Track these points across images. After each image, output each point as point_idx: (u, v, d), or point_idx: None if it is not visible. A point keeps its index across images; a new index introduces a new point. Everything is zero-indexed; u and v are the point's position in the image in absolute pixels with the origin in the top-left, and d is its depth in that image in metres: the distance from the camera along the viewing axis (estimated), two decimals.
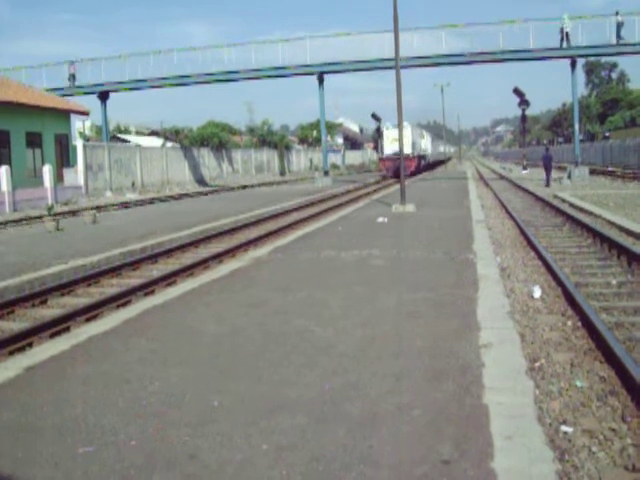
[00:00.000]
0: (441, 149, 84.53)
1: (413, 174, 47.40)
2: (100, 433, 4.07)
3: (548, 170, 32.80)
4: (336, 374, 4.98)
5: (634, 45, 33.84)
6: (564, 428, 4.39)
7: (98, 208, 25.99)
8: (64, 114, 37.10)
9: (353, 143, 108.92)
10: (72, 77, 42.04)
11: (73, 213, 25.19)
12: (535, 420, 4.06)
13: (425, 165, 57.98)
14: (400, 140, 20.29)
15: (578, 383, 5.28)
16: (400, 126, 20.35)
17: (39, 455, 3.79)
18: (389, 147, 46.64)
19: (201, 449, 3.80)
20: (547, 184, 31.71)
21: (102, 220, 20.65)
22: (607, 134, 74.92)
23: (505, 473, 3.39)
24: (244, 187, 45.07)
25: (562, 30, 34.40)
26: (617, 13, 34.36)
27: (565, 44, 34.70)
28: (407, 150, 41.93)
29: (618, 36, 34.31)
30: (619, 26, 34.16)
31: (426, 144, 59.56)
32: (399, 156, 21.52)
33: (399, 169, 21.60)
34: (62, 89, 40.89)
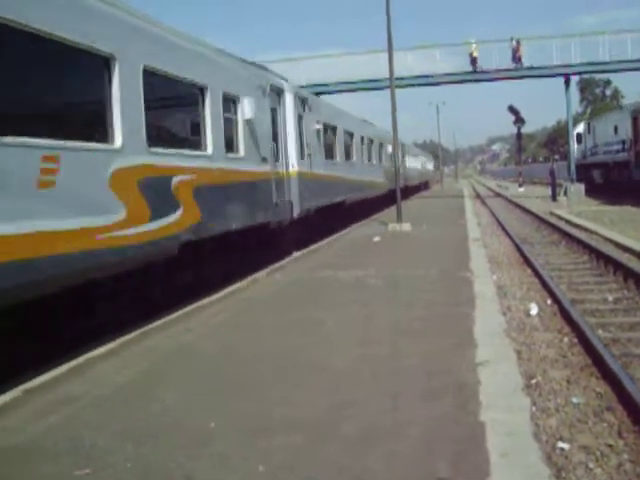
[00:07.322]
0: (417, 164, 52.62)
1: None
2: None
3: (553, 184, 32.86)
4: (332, 393, 4.98)
5: (628, 62, 34.10)
6: (561, 445, 4.39)
7: None
8: None
9: None
10: None
11: None
12: (532, 437, 4.05)
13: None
14: (395, 156, 20.43)
15: (574, 400, 5.29)
16: (395, 142, 20.45)
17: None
18: None
19: (197, 470, 3.80)
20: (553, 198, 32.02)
21: None
22: None
23: None
24: None
25: (471, 55, 34.06)
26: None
27: (473, 68, 34.45)
28: None
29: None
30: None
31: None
32: None
33: None
34: None
